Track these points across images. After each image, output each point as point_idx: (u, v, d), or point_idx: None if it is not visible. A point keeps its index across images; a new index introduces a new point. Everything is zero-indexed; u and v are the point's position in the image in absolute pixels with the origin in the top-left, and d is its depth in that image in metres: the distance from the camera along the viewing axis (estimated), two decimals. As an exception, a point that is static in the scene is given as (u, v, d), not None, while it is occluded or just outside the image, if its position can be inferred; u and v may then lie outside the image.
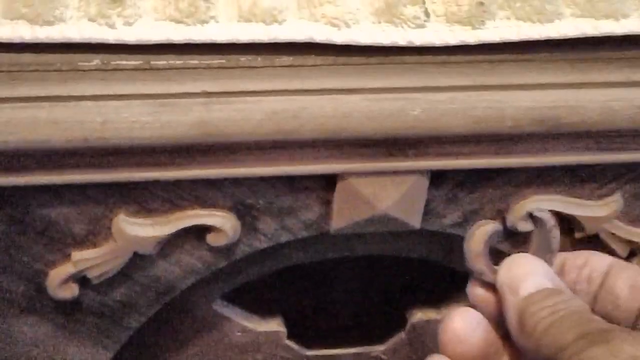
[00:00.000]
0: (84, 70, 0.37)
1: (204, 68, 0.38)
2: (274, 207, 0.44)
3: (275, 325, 0.57)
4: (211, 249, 0.45)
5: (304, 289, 0.61)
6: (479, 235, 0.36)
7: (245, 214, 0.44)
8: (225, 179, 0.42)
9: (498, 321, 0.36)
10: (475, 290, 0.36)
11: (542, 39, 0.40)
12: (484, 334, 0.36)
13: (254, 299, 0.57)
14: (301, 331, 0.58)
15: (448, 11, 0.40)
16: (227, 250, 0.46)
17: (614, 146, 0.43)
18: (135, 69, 0.37)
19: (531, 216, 0.47)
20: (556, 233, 0.37)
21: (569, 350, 0.31)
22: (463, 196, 0.46)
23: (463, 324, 0.36)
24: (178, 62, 0.38)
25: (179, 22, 0.37)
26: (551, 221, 0.37)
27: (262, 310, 0.58)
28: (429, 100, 0.40)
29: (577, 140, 0.43)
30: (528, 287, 0.34)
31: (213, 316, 0.54)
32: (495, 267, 0.35)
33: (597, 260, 0.36)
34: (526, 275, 0.35)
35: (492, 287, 0.35)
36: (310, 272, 0.57)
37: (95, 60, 0.37)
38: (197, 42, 0.37)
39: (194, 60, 0.38)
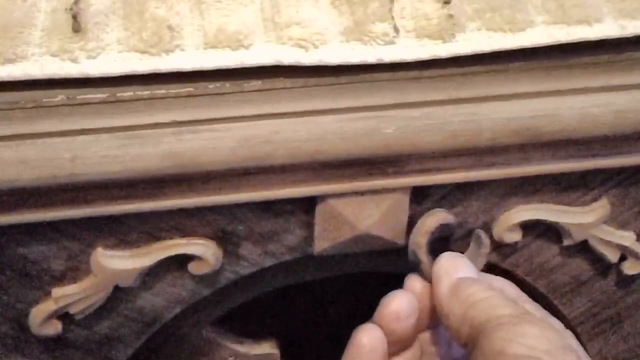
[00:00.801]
0: (49, 107, 0.36)
1: (172, 97, 0.37)
2: (255, 233, 0.44)
3: (268, 348, 0.56)
4: (194, 277, 0.44)
5: (296, 309, 0.60)
6: (422, 227, 0.43)
7: (226, 241, 0.43)
8: (203, 207, 0.41)
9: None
10: (414, 283, 0.42)
11: (515, 48, 0.39)
12: (415, 322, 0.41)
13: (246, 322, 0.56)
14: (295, 352, 0.57)
15: (417, 26, 0.39)
16: (210, 278, 0.45)
17: (597, 152, 0.43)
18: (102, 102, 0.37)
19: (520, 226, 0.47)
20: (485, 252, 0.44)
21: (503, 319, 0.36)
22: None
23: (405, 305, 0.41)
24: (145, 92, 0.37)
25: (143, 52, 0.37)
26: (486, 241, 0.43)
27: (255, 332, 0.57)
28: (404, 117, 0.39)
29: (558, 148, 0.42)
30: (461, 273, 0.40)
31: (204, 343, 0.54)
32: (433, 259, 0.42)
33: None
34: (460, 266, 0.41)
35: (427, 285, 0.42)
36: (302, 292, 0.56)
37: (60, 96, 0.36)
38: (163, 71, 0.37)
39: (161, 90, 0.37)
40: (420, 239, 0.43)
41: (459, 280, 0.40)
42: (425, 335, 0.44)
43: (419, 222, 0.43)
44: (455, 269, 0.41)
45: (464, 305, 0.39)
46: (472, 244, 0.45)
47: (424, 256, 0.43)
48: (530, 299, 0.43)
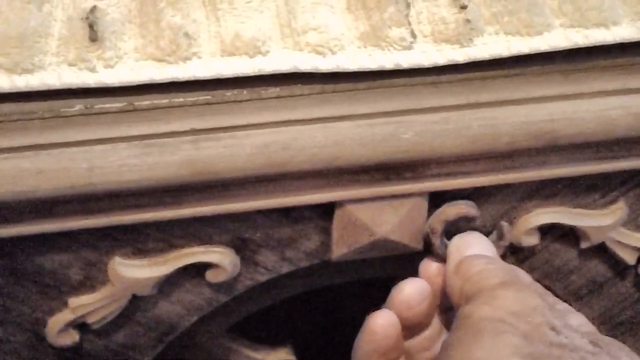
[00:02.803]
0: (66, 117, 0.36)
1: (189, 105, 0.37)
2: (273, 239, 0.43)
3: (284, 354, 0.56)
4: (212, 285, 0.44)
5: (313, 315, 0.60)
6: (441, 215, 0.43)
7: (243, 248, 0.43)
8: (220, 215, 0.41)
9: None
10: (429, 266, 0.43)
11: (533, 52, 0.39)
12: (429, 307, 0.41)
13: (262, 328, 0.56)
14: (311, 359, 0.57)
15: (435, 30, 0.39)
16: (228, 285, 0.45)
17: (614, 155, 0.43)
18: (119, 111, 0.37)
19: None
20: (504, 244, 0.45)
21: (487, 289, 0.36)
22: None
23: (416, 293, 0.41)
24: (163, 101, 0.37)
25: (160, 60, 0.37)
26: (508, 235, 0.44)
27: (271, 338, 0.57)
28: (422, 122, 0.39)
29: (576, 151, 0.42)
30: (473, 251, 0.41)
31: (220, 350, 0.54)
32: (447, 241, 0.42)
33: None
34: (473, 243, 0.42)
35: (441, 266, 0.42)
36: (318, 297, 0.56)
37: (78, 106, 0.36)
38: (181, 80, 0.37)
39: (178, 99, 0.37)
40: (436, 225, 0.43)
41: (465, 257, 0.41)
42: (444, 318, 0.44)
43: (439, 209, 0.43)
44: (467, 245, 0.42)
45: (461, 280, 0.39)
46: (493, 234, 0.45)
47: (437, 240, 0.43)
48: (542, 287, 0.42)
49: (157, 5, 0.39)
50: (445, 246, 0.43)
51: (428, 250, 0.45)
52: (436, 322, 0.43)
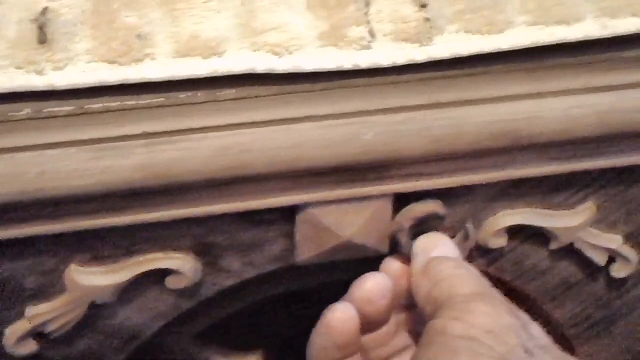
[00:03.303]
0: (15, 121, 0.35)
1: (142, 108, 0.36)
2: (236, 244, 0.43)
3: (254, 360, 0.55)
4: (174, 291, 0.43)
5: (284, 320, 0.59)
6: (408, 212, 0.42)
7: (206, 252, 0.42)
8: (180, 220, 0.40)
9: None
10: (391, 265, 0.42)
11: (494, 51, 0.38)
12: (389, 303, 0.41)
13: (231, 334, 0.55)
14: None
15: (394, 29, 0.38)
16: (191, 291, 0.44)
17: (580, 154, 0.42)
18: (70, 114, 0.36)
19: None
20: (469, 246, 0.44)
21: (460, 298, 0.36)
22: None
23: (378, 288, 0.41)
24: (114, 104, 0.36)
25: (112, 62, 0.36)
26: (473, 237, 0.44)
27: (240, 344, 0.56)
28: (383, 122, 0.38)
29: (542, 150, 0.41)
30: (438, 252, 0.40)
31: (189, 357, 0.53)
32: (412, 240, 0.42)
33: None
34: (439, 245, 0.41)
35: (405, 265, 0.42)
36: (287, 301, 0.55)
37: (26, 110, 0.35)
38: (133, 81, 0.36)
39: (131, 101, 0.36)
40: (404, 222, 0.42)
41: (432, 259, 0.40)
42: (402, 316, 0.43)
43: (407, 207, 0.43)
44: (433, 246, 0.41)
45: (430, 283, 0.39)
46: (458, 236, 0.44)
47: (404, 238, 0.43)
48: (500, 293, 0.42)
49: (112, 5, 0.38)
50: (411, 245, 0.43)
51: (394, 250, 0.44)
52: (394, 322, 0.43)
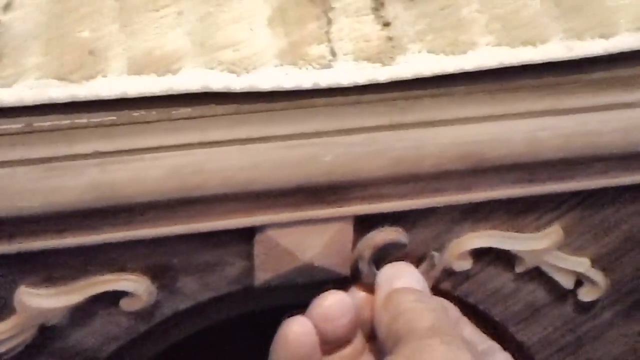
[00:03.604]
0: (-41, 139, 0.34)
1: (94, 127, 0.35)
2: (192, 266, 0.41)
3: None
4: (128, 314, 0.42)
5: (241, 341, 0.58)
6: (370, 240, 0.41)
7: (160, 275, 0.41)
8: (133, 241, 0.39)
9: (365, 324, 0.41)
10: (357, 293, 0.41)
11: (457, 71, 0.37)
12: (349, 323, 0.40)
13: (190, 355, 0.54)
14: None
15: (356, 48, 0.37)
16: (146, 313, 0.43)
17: (546, 177, 0.41)
18: (18, 132, 0.34)
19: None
20: (434, 275, 0.43)
21: (417, 333, 0.35)
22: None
23: (337, 306, 0.40)
24: (65, 122, 0.35)
25: (62, 79, 0.35)
26: (439, 267, 0.43)
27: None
28: (343, 143, 0.37)
29: (506, 173, 0.41)
30: (402, 283, 0.40)
31: (147, 378, 0.51)
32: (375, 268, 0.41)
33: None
34: (402, 275, 0.40)
35: (369, 295, 0.41)
36: (247, 323, 0.54)
37: (-28, 127, 0.34)
38: (83, 99, 0.35)
39: (82, 119, 0.35)
40: (365, 251, 0.42)
41: (393, 290, 0.40)
42: (372, 346, 0.43)
43: (368, 235, 0.42)
44: (396, 277, 0.41)
45: (390, 316, 0.38)
46: (423, 265, 0.44)
47: (365, 267, 0.42)
48: (470, 323, 0.41)
49: (65, 19, 0.37)
50: (374, 274, 0.42)
51: (357, 276, 0.43)
52: (359, 342, 0.42)
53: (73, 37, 0.36)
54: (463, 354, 0.35)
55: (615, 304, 0.49)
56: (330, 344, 0.41)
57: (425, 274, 0.43)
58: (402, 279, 0.40)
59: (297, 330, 0.40)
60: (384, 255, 0.42)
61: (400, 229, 0.42)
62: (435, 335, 0.35)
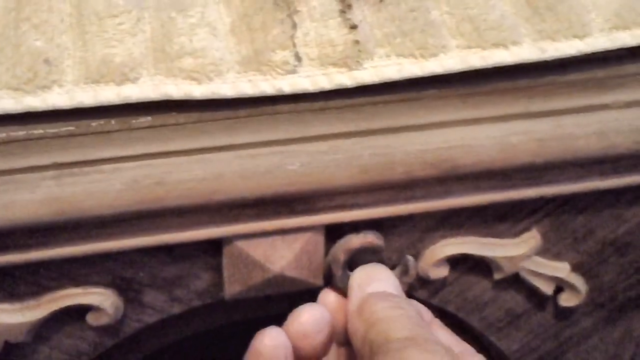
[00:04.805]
0: None
1: (50, 138, 0.34)
2: (158, 279, 0.40)
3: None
4: (95, 328, 0.41)
5: (215, 352, 0.57)
6: (344, 244, 0.40)
7: (126, 288, 0.40)
8: (97, 255, 0.38)
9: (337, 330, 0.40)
10: (327, 298, 0.40)
11: (427, 75, 0.36)
12: (326, 338, 0.39)
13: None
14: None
15: (322, 53, 0.36)
16: (113, 328, 0.42)
17: (520, 182, 0.40)
18: (-29, 145, 0.33)
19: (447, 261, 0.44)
20: (408, 281, 0.43)
21: (395, 344, 0.34)
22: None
23: (314, 322, 0.38)
24: (20, 133, 0.34)
25: (16, 89, 0.34)
26: (412, 272, 0.43)
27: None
28: (309, 151, 0.36)
29: (480, 179, 0.39)
30: (376, 287, 0.38)
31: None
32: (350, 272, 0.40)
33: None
34: (377, 279, 0.39)
35: (341, 298, 0.40)
36: (220, 334, 0.53)
37: None
38: (39, 110, 0.33)
39: (38, 130, 0.34)
40: (339, 254, 0.41)
41: (367, 296, 0.38)
42: (342, 350, 0.41)
43: (344, 239, 0.41)
44: (370, 280, 0.39)
45: (365, 324, 0.36)
46: (397, 270, 0.43)
47: (338, 270, 0.41)
48: (441, 323, 0.40)
49: (20, 27, 0.36)
50: (348, 278, 0.40)
51: (329, 282, 0.42)
52: (332, 354, 0.40)
53: (26, 46, 0.35)
54: (438, 356, 0.34)
55: (597, 310, 0.48)
56: (305, 358, 0.40)
57: (399, 279, 0.41)
58: (375, 282, 0.39)
59: (269, 343, 0.38)
60: (358, 261, 0.41)
61: (377, 233, 0.41)
62: (414, 345, 0.34)
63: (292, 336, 0.39)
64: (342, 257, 0.40)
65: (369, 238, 0.41)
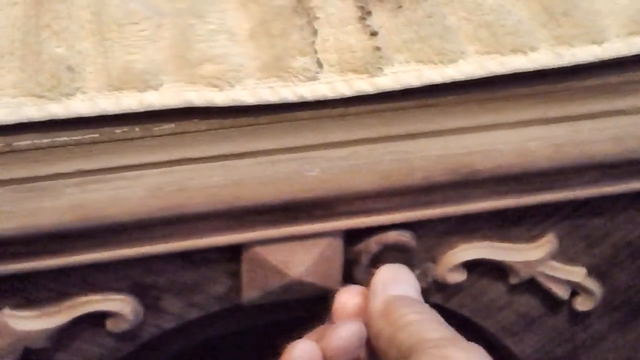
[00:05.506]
0: None
1: (74, 145, 0.34)
2: (177, 284, 0.40)
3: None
4: (113, 334, 0.41)
5: (238, 356, 0.57)
6: (380, 238, 0.40)
7: (145, 294, 0.40)
8: (117, 261, 0.38)
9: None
10: (345, 302, 0.39)
11: (446, 81, 0.36)
12: (359, 350, 0.38)
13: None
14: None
15: (342, 59, 0.37)
16: (132, 333, 0.42)
17: (537, 187, 0.40)
18: (-4, 152, 0.33)
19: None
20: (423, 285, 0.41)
21: (431, 343, 0.34)
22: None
23: (355, 338, 0.37)
24: (44, 141, 0.34)
25: (40, 97, 0.34)
26: (429, 279, 0.43)
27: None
28: (329, 157, 0.36)
29: (498, 184, 0.40)
30: (399, 289, 0.38)
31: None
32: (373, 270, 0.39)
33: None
34: (401, 280, 0.39)
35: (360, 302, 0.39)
36: (234, 340, 0.53)
37: (-53, 148, 0.33)
38: (62, 118, 0.34)
39: (62, 138, 0.34)
40: (372, 246, 0.41)
41: (392, 298, 0.38)
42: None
43: (380, 235, 0.41)
44: (394, 281, 0.39)
45: (393, 326, 0.36)
46: (415, 273, 0.42)
47: (366, 260, 0.41)
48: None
49: (41, 35, 0.36)
50: (369, 272, 0.40)
51: (347, 280, 0.42)
52: None
53: (48, 53, 0.35)
54: (478, 355, 0.34)
55: (611, 313, 0.49)
56: None
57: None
58: (399, 284, 0.39)
59: (301, 355, 0.38)
60: (383, 258, 0.41)
61: (413, 234, 0.41)
62: (452, 344, 0.34)
63: (331, 352, 0.38)
64: (374, 249, 0.40)
65: (405, 236, 0.41)
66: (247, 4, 0.39)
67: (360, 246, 0.41)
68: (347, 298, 0.40)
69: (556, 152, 0.38)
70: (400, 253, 0.42)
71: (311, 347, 0.37)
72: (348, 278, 0.42)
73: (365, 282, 0.41)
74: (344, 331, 0.37)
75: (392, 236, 0.41)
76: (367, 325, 0.39)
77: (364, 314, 0.40)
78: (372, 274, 0.40)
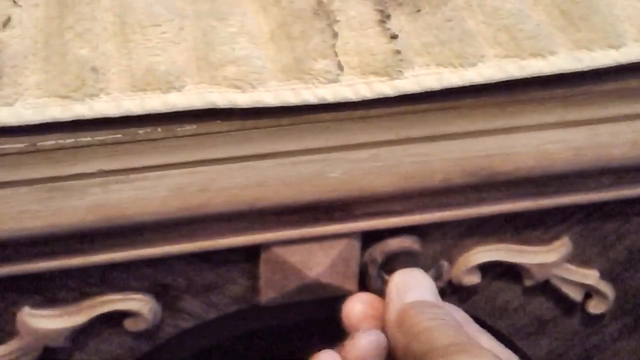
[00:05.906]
0: (-40, 160, 0.33)
1: (97, 145, 0.34)
2: (196, 285, 0.41)
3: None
4: (132, 334, 0.41)
5: (254, 356, 0.57)
6: (381, 246, 0.41)
7: (164, 294, 0.41)
8: (137, 261, 0.38)
9: None
10: (352, 309, 0.39)
11: (466, 84, 0.37)
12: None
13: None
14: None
15: (362, 62, 0.37)
16: (150, 333, 0.42)
17: (555, 190, 0.41)
18: (20, 152, 0.34)
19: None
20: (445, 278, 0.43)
21: (442, 350, 0.34)
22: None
23: (374, 347, 0.37)
24: (68, 141, 0.34)
25: (65, 97, 0.34)
26: (445, 277, 0.43)
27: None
28: (350, 159, 0.36)
29: (515, 186, 0.40)
30: (414, 295, 0.38)
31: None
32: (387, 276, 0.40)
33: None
34: (414, 285, 0.38)
35: (366, 309, 0.39)
36: (251, 341, 0.53)
37: (-27, 148, 0.33)
38: (87, 118, 0.34)
39: (86, 138, 0.34)
40: (377, 256, 0.41)
41: (406, 306, 0.38)
42: None
43: (382, 242, 0.41)
44: (407, 288, 0.39)
45: (407, 336, 0.36)
46: (430, 272, 0.43)
47: (374, 271, 0.41)
48: (479, 327, 0.40)
49: (64, 36, 0.36)
50: (382, 280, 0.41)
51: (363, 284, 0.42)
52: None
53: (72, 54, 0.36)
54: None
55: (623, 316, 0.49)
56: None
57: None
58: (413, 290, 0.39)
59: None
60: (394, 264, 0.41)
61: (415, 237, 0.41)
62: (462, 351, 0.34)
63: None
64: (379, 259, 0.41)
65: (406, 242, 0.41)
66: (268, 6, 0.39)
67: (366, 257, 0.41)
68: (352, 306, 0.40)
69: (575, 155, 0.38)
70: (411, 257, 0.42)
71: (334, 358, 0.37)
72: (364, 281, 0.43)
73: (378, 290, 0.41)
74: (362, 341, 0.37)
75: (395, 243, 0.41)
76: (386, 335, 0.39)
77: (373, 321, 0.40)
78: (386, 282, 0.40)
